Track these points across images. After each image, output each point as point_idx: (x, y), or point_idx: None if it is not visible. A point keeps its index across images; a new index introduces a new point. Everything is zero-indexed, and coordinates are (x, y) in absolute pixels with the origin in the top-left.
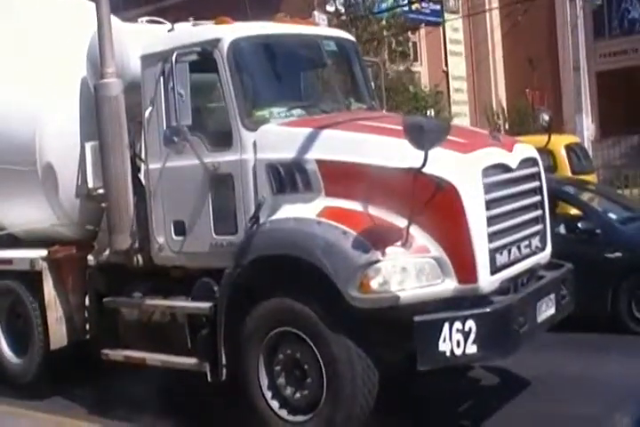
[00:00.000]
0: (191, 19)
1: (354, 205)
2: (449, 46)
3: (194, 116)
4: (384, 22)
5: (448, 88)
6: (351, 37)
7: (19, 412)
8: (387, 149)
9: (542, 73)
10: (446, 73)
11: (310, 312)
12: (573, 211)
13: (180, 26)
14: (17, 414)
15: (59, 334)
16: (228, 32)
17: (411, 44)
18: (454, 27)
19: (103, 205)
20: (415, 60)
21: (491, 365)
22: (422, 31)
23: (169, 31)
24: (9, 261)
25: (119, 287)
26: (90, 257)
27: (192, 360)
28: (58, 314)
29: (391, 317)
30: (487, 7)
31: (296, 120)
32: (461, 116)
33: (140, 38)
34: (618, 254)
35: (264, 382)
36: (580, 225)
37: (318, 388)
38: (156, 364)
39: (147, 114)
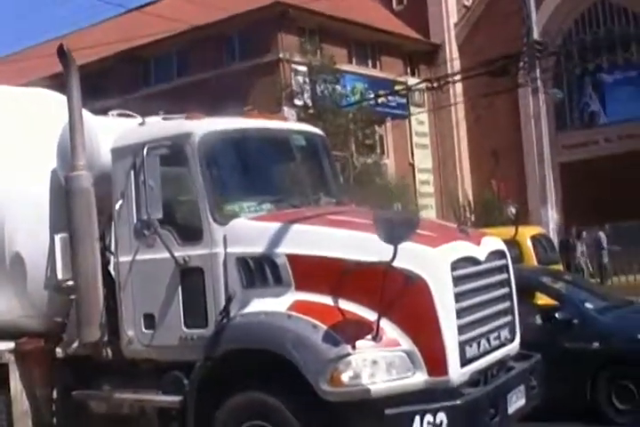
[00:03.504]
0: (161, 112)
1: (324, 299)
2: (415, 139)
3: (164, 210)
4: (351, 116)
5: (414, 180)
6: (320, 132)
7: None
8: (357, 244)
9: (507, 164)
10: (412, 165)
11: (281, 406)
12: (543, 301)
13: (150, 119)
14: None
15: None
16: (199, 126)
17: (377, 136)
18: (420, 120)
19: (72, 297)
20: (382, 152)
21: None
22: (388, 124)
23: (140, 125)
24: None
25: (88, 380)
26: (58, 349)
27: None
28: (24, 407)
29: (362, 410)
30: (452, 101)
31: (266, 215)
32: (428, 208)
33: (110, 131)
34: (596, 344)
35: None
36: (557, 315)
37: None
38: None
39: (117, 206)
